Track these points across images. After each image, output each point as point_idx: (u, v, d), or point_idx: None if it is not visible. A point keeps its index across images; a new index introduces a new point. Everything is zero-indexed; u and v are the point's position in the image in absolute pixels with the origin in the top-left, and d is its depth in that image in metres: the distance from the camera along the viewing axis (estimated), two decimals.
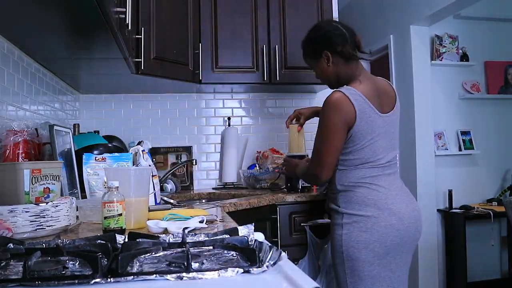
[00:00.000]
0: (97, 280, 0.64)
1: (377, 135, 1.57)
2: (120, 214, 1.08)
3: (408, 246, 1.57)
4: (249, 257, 0.73)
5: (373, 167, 1.57)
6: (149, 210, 1.31)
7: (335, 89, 1.60)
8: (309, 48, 1.73)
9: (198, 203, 2.16)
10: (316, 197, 2.15)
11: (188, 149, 2.73)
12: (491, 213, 3.19)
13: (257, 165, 2.67)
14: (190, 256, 0.69)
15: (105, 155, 1.58)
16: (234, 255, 0.79)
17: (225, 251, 0.81)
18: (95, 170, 1.54)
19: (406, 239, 1.55)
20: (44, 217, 1.03)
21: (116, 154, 1.61)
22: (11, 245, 0.86)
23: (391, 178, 1.61)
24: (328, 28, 1.67)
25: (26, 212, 1.01)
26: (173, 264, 0.71)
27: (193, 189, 2.66)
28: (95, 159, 1.55)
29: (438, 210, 3.48)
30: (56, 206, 1.06)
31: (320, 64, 1.69)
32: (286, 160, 2.08)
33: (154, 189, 1.64)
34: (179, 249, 0.83)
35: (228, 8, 2.51)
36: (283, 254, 0.74)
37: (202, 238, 0.92)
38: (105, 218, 1.07)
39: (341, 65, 1.64)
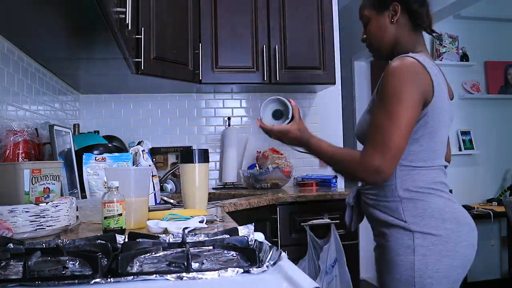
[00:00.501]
0: (97, 280, 0.64)
1: (444, 123, 1.21)
2: (120, 214, 1.07)
3: None
4: (249, 257, 0.73)
5: (440, 168, 1.23)
6: (149, 210, 1.31)
7: (402, 55, 1.21)
8: None
9: None
10: (316, 197, 2.15)
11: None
12: (491, 213, 3.19)
13: (257, 165, 2.68)
14: (190, 256, 0.68)
15: (105, 155, 1.58)
16: (234, 255, 0.79)
17: (225, 251, 0.81)
18: (95, 170, 1.53)
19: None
20: (44, 217, 1.03)
21: (116, 154, 1.61)
22: (11, 245, 0.86)
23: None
24: None
25: (26, 212, 1.01)
26: (173, 264, 0.71)
27: None
28: (95, 159, 1.55)
29: None
30: (56, 206, 1.06)
31: (381, 18, 1.30)
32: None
33: (154, 189, 1.64)
34: (179, 249, 0.83)
35: (228, 8, 2.51)
36: (283, 254, 0.74)
37: (202, 238, 0.92)
38: (105, 218, 1.06)
39: (405, 29, 1.29)
